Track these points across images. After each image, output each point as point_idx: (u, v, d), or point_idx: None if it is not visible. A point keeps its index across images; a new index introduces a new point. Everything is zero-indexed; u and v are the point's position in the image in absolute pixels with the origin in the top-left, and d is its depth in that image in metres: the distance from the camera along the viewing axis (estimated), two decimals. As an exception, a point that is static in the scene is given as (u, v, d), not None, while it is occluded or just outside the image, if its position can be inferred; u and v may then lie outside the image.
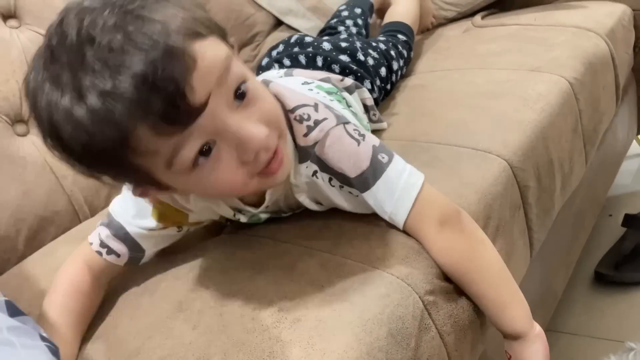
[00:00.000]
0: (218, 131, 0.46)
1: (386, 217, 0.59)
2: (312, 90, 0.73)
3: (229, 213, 0.64)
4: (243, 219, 0.65)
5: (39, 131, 0.46)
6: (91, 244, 0.64)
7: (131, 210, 0.63)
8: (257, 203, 0.63)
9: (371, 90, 0.88)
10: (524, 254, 0.75)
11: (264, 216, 0.67)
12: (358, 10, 1.15)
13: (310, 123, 0.57)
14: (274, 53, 0.95)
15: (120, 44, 0.41)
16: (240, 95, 0.47)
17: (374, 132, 0.84)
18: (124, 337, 0.59)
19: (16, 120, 0.91)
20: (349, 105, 0.78)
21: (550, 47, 1.00)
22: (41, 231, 0.89)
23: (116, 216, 0.64)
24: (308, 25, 1.33)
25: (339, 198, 0.61)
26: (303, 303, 0.54)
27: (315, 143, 0.57)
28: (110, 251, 0.64)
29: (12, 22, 0.96)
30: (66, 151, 0.45)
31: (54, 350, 0.35)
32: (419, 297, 0.55)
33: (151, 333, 0.57)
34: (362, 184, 0.58)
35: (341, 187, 0.60)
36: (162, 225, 0.63)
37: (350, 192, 0.60)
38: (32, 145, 0.91)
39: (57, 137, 0.44)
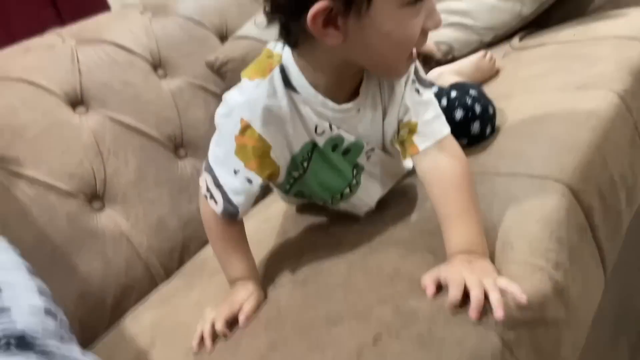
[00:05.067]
0: None
1: (429, 125, 0.69)
2: None
3: (311, 124, 0.68)
4: (321, 140, 0.69)
5: None
6: (201, 187, 0.72)
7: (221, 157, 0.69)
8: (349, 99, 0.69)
9: None
10: (598, 275, 0.73)
11: (347, 138, 0.70)
12: None
13: None
14: None
15: None
16: None
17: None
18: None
19: (92, 197, 0.98)
20: None
21: (594, 61, 0.99)
22: (124, 298, 0.94)
23: (213, 164, 0.69)
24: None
25: (409, 92, 0.70)
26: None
27: None
28: (212, 196, 0.70)
29: (81, 109, 1.05)
30: None
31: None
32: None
33: None
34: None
35: (413, 81, 0.70)
36: (247, 171, 0.67)
37: (417, 90, 0.70)
38: (109, 218, 0.98)
39: None
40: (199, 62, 1.22)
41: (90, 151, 1.00)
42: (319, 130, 0.68)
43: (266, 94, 0.64)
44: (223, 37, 1.35)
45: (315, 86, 0.66)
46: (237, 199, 0.69)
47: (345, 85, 0.68)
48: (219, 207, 0.70)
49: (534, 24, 1.39)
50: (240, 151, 0.66)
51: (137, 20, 1.25)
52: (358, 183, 0.75)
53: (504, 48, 1.32)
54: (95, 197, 0.99)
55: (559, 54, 1.10)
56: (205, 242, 0.98)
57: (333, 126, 0.69)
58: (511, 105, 0.95)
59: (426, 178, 0.68)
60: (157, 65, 1.20)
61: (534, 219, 0.67)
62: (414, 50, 0.66)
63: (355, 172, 0.74)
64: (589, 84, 0.92)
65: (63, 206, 0.94)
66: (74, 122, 1.02)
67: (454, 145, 0.69)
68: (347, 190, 0.75)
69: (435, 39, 1.30)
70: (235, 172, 0.67)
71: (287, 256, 0.78)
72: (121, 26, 1.23)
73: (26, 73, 1.04)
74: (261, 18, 0.63)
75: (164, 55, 1.21)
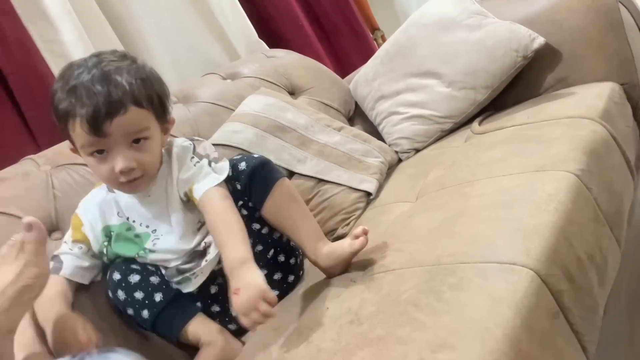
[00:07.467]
0: (110, 149, 0.87)
1: (197, 184, 0.94)
2: None
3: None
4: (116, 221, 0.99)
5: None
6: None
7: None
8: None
9: None
10: (578, 359, 0.73)
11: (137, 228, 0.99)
12: None
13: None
14: None
15: (104, 79, 0.85)
16: (137, 141, 0.89)
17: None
18: None
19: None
20: None
21: (549, 143, 1.03)
22: None
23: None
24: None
25: (188, 163, 0.97)
26: None
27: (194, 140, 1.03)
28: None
29: (56, 235, 1.06)
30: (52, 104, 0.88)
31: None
32: None
33: None
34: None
35: (192, 158, 0.98)
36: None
37: (193, 161, 0.97)
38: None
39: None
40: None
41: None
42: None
43: (95, 193, 1.03)
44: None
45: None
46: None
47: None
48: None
49: (491, 107, 1.46)
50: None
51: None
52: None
53: (465, 132, 1.38)
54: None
55: (516, 137, 1.14)
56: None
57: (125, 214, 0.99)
58: (475, 191, 0.97)
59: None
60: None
61: (506, 306, 0.68)
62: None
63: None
64: (547, 165, 0.96)
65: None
66: (50, 249, 1.02)
67: (219, 191, 0.92)
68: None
69: (397, 135, 1.36)
70: (65, 242, 1.00)
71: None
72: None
73: (1, 204, 1.05)
74: None
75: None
